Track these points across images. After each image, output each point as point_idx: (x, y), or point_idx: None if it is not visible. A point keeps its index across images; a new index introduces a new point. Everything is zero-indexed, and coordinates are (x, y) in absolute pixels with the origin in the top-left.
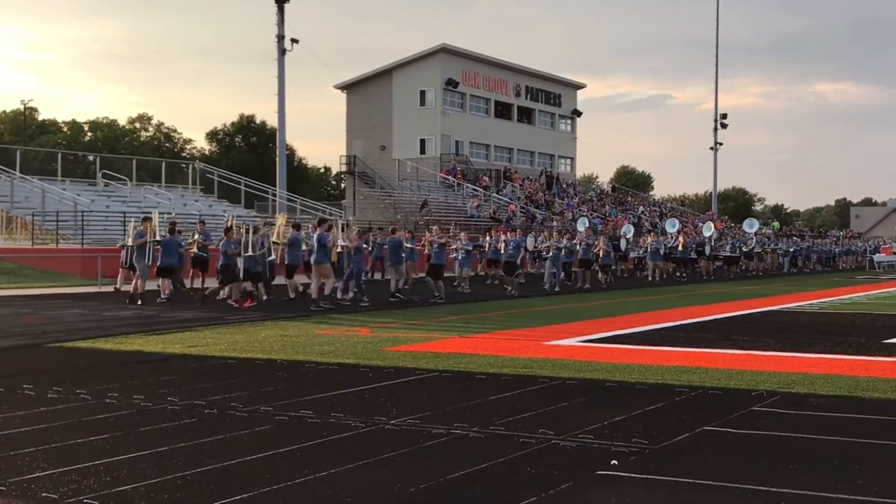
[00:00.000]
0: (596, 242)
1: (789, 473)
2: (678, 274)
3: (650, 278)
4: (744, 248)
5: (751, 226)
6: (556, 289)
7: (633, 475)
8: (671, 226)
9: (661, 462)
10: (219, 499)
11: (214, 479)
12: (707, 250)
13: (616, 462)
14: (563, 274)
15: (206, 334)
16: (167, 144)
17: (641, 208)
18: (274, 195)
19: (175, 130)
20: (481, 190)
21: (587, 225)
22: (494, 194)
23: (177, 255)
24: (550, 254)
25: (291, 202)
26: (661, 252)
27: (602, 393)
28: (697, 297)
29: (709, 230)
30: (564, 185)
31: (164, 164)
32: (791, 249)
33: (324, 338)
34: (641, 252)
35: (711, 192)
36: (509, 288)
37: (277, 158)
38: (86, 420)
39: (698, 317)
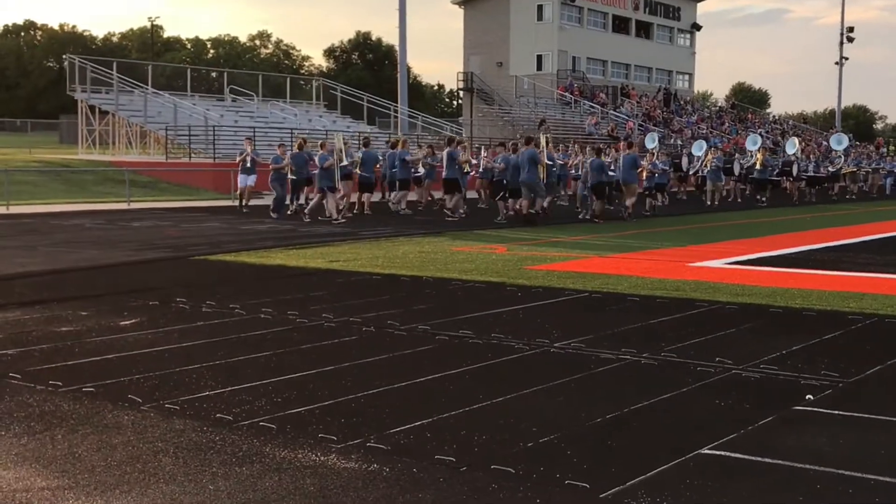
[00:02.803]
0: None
1: None
2: (757, 197)
3: (708, 202)
4: (830, 168)
5: (839, 142)
6: (597, 217)
7: (834, 412)
8: (752, 143)
9: (861, 398)
10: (398, 425)
11: (387, 402)
12: (794, 170)
13: (811, 397)
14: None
15: (344, 249)
16: (286, 61)
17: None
18: (395, 112)
19: (294, 48)
20: (599, 107)
21: (654, 143)
22: (612, 111)
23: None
24: (581, 173)
25: (413, 119)
26: (739, 171)
27: (768, 319)
28: (822, 220)
29: (792, 147)
30: (682, 102)
31: (287, 80)
32: (895, 169)
33: (461, 255)
34: (704, 171)
35: (831, 110)
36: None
37: (399, 75)
38: (244, 336)
39: (841, 238)
